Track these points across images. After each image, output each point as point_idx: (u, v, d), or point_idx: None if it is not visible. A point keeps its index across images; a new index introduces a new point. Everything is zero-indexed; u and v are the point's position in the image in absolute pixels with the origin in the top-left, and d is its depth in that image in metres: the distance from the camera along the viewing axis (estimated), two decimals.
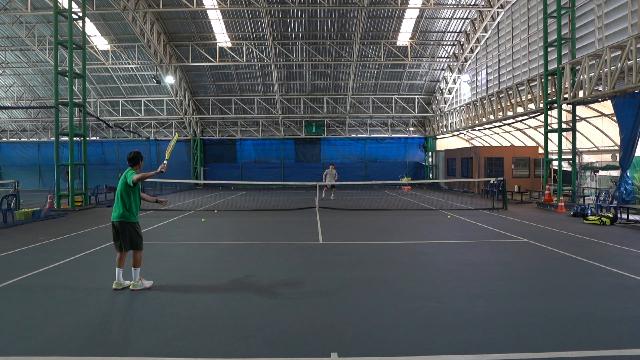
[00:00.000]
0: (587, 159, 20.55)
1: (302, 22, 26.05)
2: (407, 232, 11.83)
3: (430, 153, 33.32)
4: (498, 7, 23.41)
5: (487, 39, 26.01)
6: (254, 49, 27.49)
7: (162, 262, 8.12)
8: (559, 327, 4.81)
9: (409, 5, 24.16)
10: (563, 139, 17.70)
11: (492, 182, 20.29)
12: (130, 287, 6.26)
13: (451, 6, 24.66)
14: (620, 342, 4.39)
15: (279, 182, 31.69)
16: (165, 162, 6.37)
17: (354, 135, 33.72)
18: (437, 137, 32.60)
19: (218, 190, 29.26)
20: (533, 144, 24.70)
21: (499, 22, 24.43)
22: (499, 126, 24.22)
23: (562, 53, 17.30)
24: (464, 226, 12.61)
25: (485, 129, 26.45)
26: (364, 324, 4.96)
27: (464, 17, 25.91)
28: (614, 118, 15.30)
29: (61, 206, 17.26)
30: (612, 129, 17.42)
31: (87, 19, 22.77)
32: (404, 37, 27.27)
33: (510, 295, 5.97)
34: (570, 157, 17.64)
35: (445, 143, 32.91)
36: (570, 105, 16.85)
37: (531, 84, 19.51)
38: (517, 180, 22.61)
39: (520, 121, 22.00)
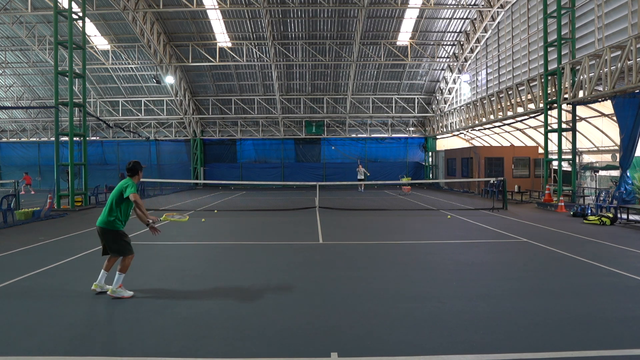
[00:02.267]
0: (587, 159, 20.54)
1: (302, 22, 26.04)
2: (407, 232, 11.83)
3: (430, 153, 33.30)
4: (498, 7, 23.41)
5: (487, 39, 26.00)
6: (254, 49, 27.49)
7: (162, 262, 8.12)
8: (559, 327, 4.81)
9: (409, 5, 24.16)
10: (563, 139, 17.70)
11: (492, 182, 20.29)
12: (108, 292, 5.84)
13: (451, 6, 24.66)
14: (620, 342, 4.39)
15: (279, 182, 31.70)
16: (156, 227, 6.04)
17: (354, 135, 33.70)
18: (437, 137, 32.59)
19: (218, 190, 29.25)
20: (533, 144, 24.69)
21: (499, 22, 24.43)
22: (499, 126, 24.21)
23: (562, 53, 17.30)
24: (464, 226, 12.61)
25: (485, 129, 26.44)
26: (364, 324, 4.96)
27: (464, 17, 25.90)
28: (614, 118, 15.29)
29: (61, 206, 17.26)
30: (612, 129, 17.41)
31: (87, 19, 22.75)
32: (404, 37, 27.26)
33: (510, 295, 5.97)
34: (570, 157, 17.64)
35: (445, 143, 32.89)
36: (570, 105, 16.85)
37: (531, 84, 19.50)
38: (517, 180, 22.60)
39: (520, 121, 22.00)
